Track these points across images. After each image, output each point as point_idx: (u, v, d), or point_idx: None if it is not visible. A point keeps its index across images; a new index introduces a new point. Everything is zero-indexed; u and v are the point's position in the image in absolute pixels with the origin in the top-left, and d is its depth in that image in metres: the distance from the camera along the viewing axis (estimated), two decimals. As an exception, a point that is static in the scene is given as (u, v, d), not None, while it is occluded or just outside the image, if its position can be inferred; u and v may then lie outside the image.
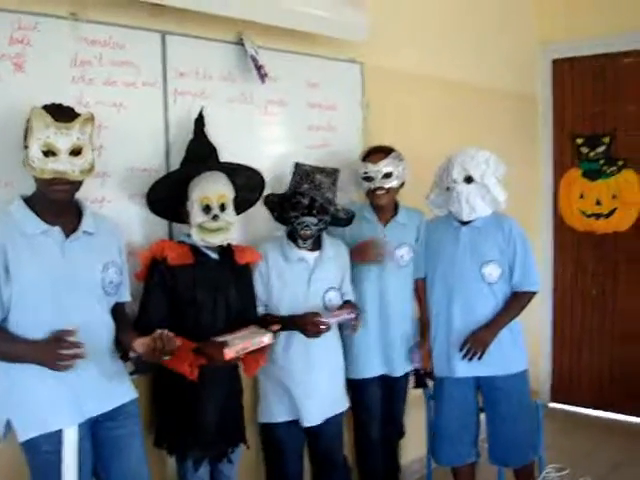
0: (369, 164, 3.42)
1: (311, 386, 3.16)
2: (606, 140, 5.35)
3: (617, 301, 5.42)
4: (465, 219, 3.40)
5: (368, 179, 3.43)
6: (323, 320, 3.02)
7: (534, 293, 3.46)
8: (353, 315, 3.16)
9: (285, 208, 3.17)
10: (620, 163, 5.28)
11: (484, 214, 3.39)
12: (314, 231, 3.16)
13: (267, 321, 3.02)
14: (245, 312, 2.99)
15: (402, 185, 3.49)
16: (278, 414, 3.18)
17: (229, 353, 2.61)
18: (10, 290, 2.25)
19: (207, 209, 2.78)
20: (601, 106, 5.41)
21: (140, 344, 2.40)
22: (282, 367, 3.15)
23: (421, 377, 3.58)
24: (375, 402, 3.54)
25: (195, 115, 2.96)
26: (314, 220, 3.13)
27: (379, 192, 3.42)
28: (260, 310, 3.12)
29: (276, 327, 2.91)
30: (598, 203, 5.38)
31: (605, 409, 5.48)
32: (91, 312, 2.41)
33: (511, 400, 3.41)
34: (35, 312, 2.28)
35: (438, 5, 4.54)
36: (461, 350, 3.36)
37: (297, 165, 3.25)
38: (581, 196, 5.46)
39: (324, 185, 3.18)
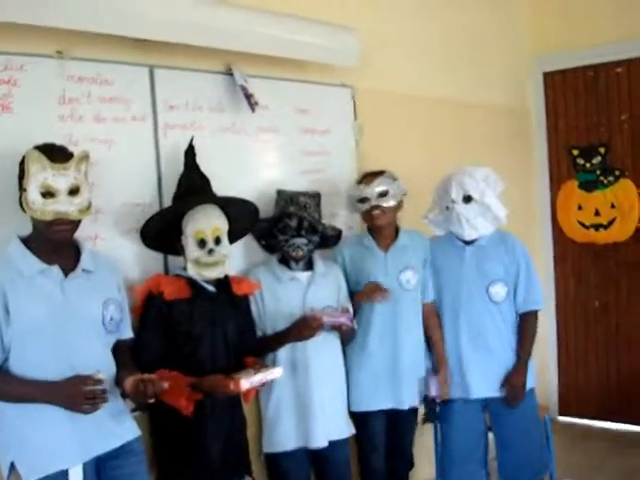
0: (363, 186, 3.38)
1: (315, 406, 3.13)
2: (602, 150, 5.34)
3: (620, 311, 5.39)
4: (467, 239, 3.39)
5: (363, 200, 3.36)
6: (316, 316, 3.01)
7: (537, 312, 3.46)
8: (348, 321, 3.11)
9: (273, 234, 3.17)
10: (617, 173, 5.28)
11: (486, 232, 3.39)
12: (305, 252, 3.16)
13: (263, 342, 3.06)
14: (243, 344, 2.97)
15: (400, 205, 3.43)
16: (285, 442, 3.14)
17: (245, 384, 2.61)
18: (11, 331, 2.24)
19: (202, 243, 2.77)
20: (595, 117, 5.41)
21: (128, 383, 2.38)
22: (285, 390, 3.13)
23: (433, 410, 3.42)
24: (379, 435, 3.47)
25: (185, 147, 2.94)
26: (304, 240, 3.13)
27: (375, 212, 3.35)
28: (258, 334, 3.12)
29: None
30: (597, 214, 5.36)
31: (613, 420, 5.43)
32: (92, 350, 2.38)
33: (520, 418, 3.39)
34: (36, 352, 2.26)
35: (428, 24, 4.54)
36: (507, 401, 3.36)
37: (279, 192, 3.26)
38: (579, 207, 5.45)
39: (309, 206, 3.19)
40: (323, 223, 3.28)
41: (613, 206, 5.30)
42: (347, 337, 3.28)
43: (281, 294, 3.17)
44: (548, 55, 5.50)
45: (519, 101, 5.56)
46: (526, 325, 3.45)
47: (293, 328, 3.05)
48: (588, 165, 5.41)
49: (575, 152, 5.47)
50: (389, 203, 3.36)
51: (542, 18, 5.48)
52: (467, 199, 3.33)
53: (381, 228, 3.42)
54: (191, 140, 2.92)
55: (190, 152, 2.91)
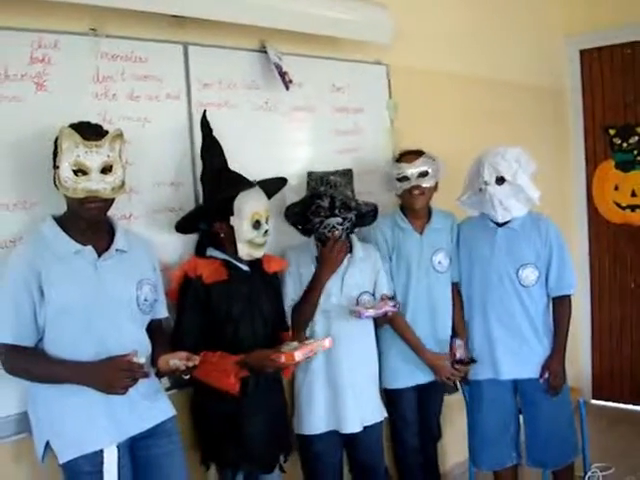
0: (403, 164, 3.32)
1: (347, 390, 3.12)
2: (639, 130, 5.24)
3: (656, 293, 5.32)
4: (500, 221, 3.34)
5: (403, 179, 3.31)
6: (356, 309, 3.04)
7: (570, 296, 3.42)
8: (394, 308, 3.12)
9: (307, 217, 3.13)
10: (654, 153, 5.19)
11: (519, 214, 3.34)
12: (341, 231, 3.10)
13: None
14: (278, 321, 2.98)
15: (436, 187, 3.39)
16: (317, 425, 3.13)
17: (299, 355, 2.61)
18: (45, 312, 2.24)
19: (257, 224, 2.78)
20: (632, 95, 5.31)
21: (163, 360, 2.39)
22: (319, 373, 3.12)
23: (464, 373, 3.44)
24: (411, 411, 3.49)
25: (222, 126, 2.92)
26: (339, 220, 3.08)
27: (415, 192, 3.31)
28: (289, 304, 3.11)
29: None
30: (633, 194, 5.29)
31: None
32: (126, 331, 2.38)
33: (550, 401, 3.35)
34: (70, 333, 2.27)
35: (462, 2, 4.47)
36: (548, 390, 3.33)
37: (310, 174, 3.22)
38: (616, 188, 5.37)
39: (340, 184, 3.15)
40: (356, 199, 3.22)
41: (650, 187, 5.22)
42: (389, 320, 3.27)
43: None
44: (584, 33, 5.39)
45: (555, 80, 5.47)
46: (559, 310, 3.41)
47: (322, 260, 3.09)
48: (625, 145, 5.32)
49: (612, 132, 5.38)
50: (429, 183, 3.32)
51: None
52: (500, 180, 3.27)
53: (418, 209, 3.38)
54: (204, 114, 2.88)
55: (207, 126, 2.87)
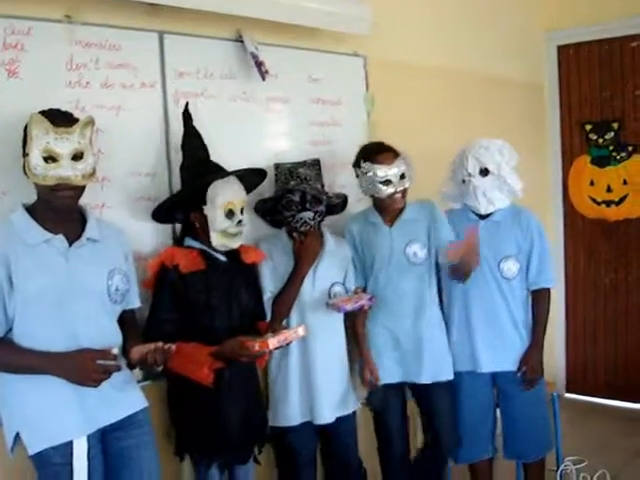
0: (384, 166, 3.18)
1: (320, 382, 3.12)
2: (615, 126, 5.30)
3: (630, 289, 5.36)
4: (483, 212, 3.35)
5: (387, 182, 3.19)
6: (334, 302, 3.04)
7: (549, 289, 3.43)
8: (370, 301, 3.12)
9: (278, 210, 3.11)
10: (630, 149, 5.24)
11: (502, 206, 3.35)
12: (313, 225, 3.10)
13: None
14: (255, 312, 2.98)
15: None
16: (292, 417, 3.12)
17: (273, 343, 2.62)
18: (14, 302, 2.21)
19: (230, 214, 2.77)
20: (609, 91, 5.34)
21: (136, 351, 2.36)
22: (298, 365, 3.12)
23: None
24: (393, 409, 3.44)
25: (197, 115, 2.90)
26: (310, 214, 3.08)
27: (397, 196, 3.23)
28: (268, 295, 3.09)
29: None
30: (609, 190, 5.33)
31: (620, 398, 5.41)
32: (97, 321, 2.35)
33: (527, 394, 3.37)
34: (40, 322, 2.23)
35: (440, -5, 4.47)
36: (525, 383, 3.34)
37: (277, 165, 3.20)
38: (591, 183, 5.41)
39: (310, 177, 3.14)
40: (327, 192, 3.22)
41: (625, 182, 5.28)
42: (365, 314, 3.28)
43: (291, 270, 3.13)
44: (562, 28, 5.42)
45: (533, 75, 5.49)
46: (538, 303, 3.43)
47: (299, 250, 3.09)
48: (601, 141, 5.36)
49: (588, 127, 5.42)
50: (406, 185, 3.25)
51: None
52: (484, 172, 3.29)
53: (398, 208, 3.31)
54: (186, 106, 2.86)
55: (189, 118, 2.86)
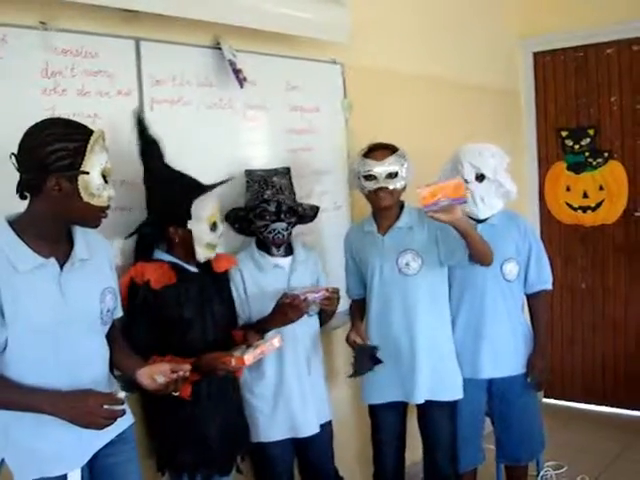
0: (372, 161, 3.13)
1: (306, 393, 3.09)
2: (591, 132, 5.35)
3: (607, 294, 5.41)
4: (481, 217, 3.35)
5: (369, 177, 3.13)
6: (295, 294, 2.91)
7: (548, 291, 3.47)
8: (329, 293, 2.98)
9: (251, 219, 3.07)
10: (606, 155, 5.29)
11: (499, 209, 3.35)
12: (286, 236, 3.07)
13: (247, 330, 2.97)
14: (230, 321, 2.95)
15: (404, 188, 3.20)
16: (272, 433, 3.07)
17: (249, 359, 2.59)
18: (6, 332, 2.06)
19: (214, 227, 2.76)
20: (584, 98, 5.40)
21: (148, 378, 2.29)
22: (273, 380, 3.07)
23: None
24: (389, 428, 3.38)
25: (174, 123, 2.88)
26: (283, 225, 3.04)
27: (382, 193, 3.13)
28: (240, 321, 3.05)
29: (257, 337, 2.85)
30: (585, 196, 5.37)
31: (598, 403, 5.46)
32: (90, 345, 2.25)
33: (523, 397, 3.40)
34: (35, 352, 2.09)
35: (417, 2, 4.49)
36: (533, 387, 3.39)
37: (249, 172, 3.13)
38: (567, 189, 5.45)
39: (285, 187, 3.09)
40: (301, 204, 3.18)
41: (601, 188, 5.33)
42: (328, 315, 3.21)
43: (264, 283, 3.08)
44: (538, 35, 5.47)
45: (509, 82, 5.53)
46: (539, 305, 3.47)
47: (277, 311, 2.96)
48: (577, 147, 5.41)
49: (564, 133, 5.46)
50: (396, 185, 3.14)
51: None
52: (480, 177, 3.28)
53: (384, 209, 3.22)
54: (139, 115, 2.77)
55: (145, 127, 2.76)
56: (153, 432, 2.82)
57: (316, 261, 3.29)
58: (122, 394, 2.15)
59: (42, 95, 2.57)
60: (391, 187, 3.14)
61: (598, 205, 5.33)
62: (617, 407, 5.35)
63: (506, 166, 3.33)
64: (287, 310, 2.92)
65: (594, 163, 5.32)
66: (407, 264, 3.20)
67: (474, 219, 3.34)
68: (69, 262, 2.17)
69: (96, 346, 2.29)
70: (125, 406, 2.24)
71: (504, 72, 5.45)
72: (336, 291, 3.04)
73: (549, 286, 3.46)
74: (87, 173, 2.08)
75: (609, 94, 5.29)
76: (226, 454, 2.85)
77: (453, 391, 3.28)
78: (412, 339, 3.20)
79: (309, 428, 3.11)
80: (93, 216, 2.17)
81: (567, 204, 5.45)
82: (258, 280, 3.08)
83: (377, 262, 3.24)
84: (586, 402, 5.51)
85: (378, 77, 4.06)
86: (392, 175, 3.13)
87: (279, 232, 3.03)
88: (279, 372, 3.06)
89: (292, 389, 3.07)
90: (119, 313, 2.48)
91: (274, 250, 3.11)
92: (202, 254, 2.76)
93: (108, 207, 2.19)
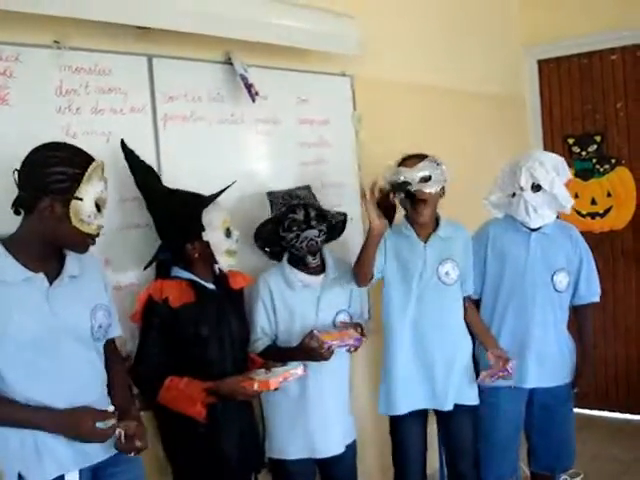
0: (403, 168, 3.08)
1: (328, 415, 3.05)
2: (598, 139, 5.34)
3: (617, 300, 5.37)
4: (533, 227, 3.30)
5: (404, 184, 3.06)
6: (323, 345, 2.86)
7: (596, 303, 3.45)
8: (357, 343, 2.98)
9: (280, 236, 3.02)
10: (613, 161, 5.28)
11: (549, 221, 3.30)
12: (319, 242, 3.03)
13: (274, 354, 2.95)
14: (246, 339, 2.94)
15: (443, 192, 3.15)
16: (291, 451, 3.04)
17: (274, 384, 2.58)
18: None
19: (228, 232, 2.76)
20: (590, 105, 5.40)
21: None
22: (296, 399, 3.02)
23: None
24: (414, 437, 3.32)
25: (187, 139, 2.90)
26: (315, 232, 3.00)
27: (418, 198, 3.07)
28: (265, 342, 3.02)
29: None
30: (593, 202, 5.36)
31: (611, 410, 5.43)
32: (82, 363, 2.23)
33: (564, 407, 3.41)
34: (23, 368, 2.09)
35: (424, 14, 4.51)
36: (576, 395, 3.41)
37: (271, 193, 3.13)
38: (576, 196, 5.36)
39: (309, 197, 3.09)
40: (328, 210, 3.15)
41: (609, 194, 5.32)
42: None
43: (294, 303, 3.04)
44: (542, 43, 5.47)
45: (515, 90, 5.54)
46: (587, 317, 3.45)
47: (301, 349, 2.91)
48: (584, 153, 5.40)
49: (571, 140, 5.46)
50: (432, 189, 3.08)
51: (535, 6, 5.44)
52: (536, 187, 3.22)
53: (421, 223, 3.19)
54: (122, 142, 2.71)
55: (131, 152, 2.73)
56: (169, 450, 2.79)
57: (349, 274, 3.17)
58: (111, 408, 2.18)
59: (56, 113, 2.58)
60: (426, 190, 3.08)
61: (606, 211, 5.32)
62: (630, 414, 5.32)
63: (566, 180, 3.26)
64: (311, 354, 2.88)
65: (602, 169, 5.32)
66: (447, 273, 3.22)
67: (526, 226, 3.32)
68: (59, 278, 2.19)
69: (89, 362, 2.28)
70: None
71: (510, 80, 5.46)
72: (363, 332, 3.05)
73: (597, 299, 3.43)
74: (80, 199, 2.12)
75: (615, 100, 5.29)
76: (242, 471, 2.83)
77: (475, 396, 3.28)
78: (447, 347, 3.21)
79: (330, 448, 3.07)
80: (80, 241, 2.19)
81: (575, 211, 5.40)
82: (287, 298, 3.04)
83: (418, 268, 3.20)
84: (599, 409, 5.46)
85: (387, 88, 4.07)
86: (425, 179, 3.09)
87: (312, 239, 2.99)
88: (302, 390, 3.01)
89: (313, 408, 3.03)
90: (115, 332, 2.45)
91: (309, 259, 3.04)
92: (224, 262, 2.76)
93: (97, 235, 2.21)
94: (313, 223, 3.00)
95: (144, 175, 2.75)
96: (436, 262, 3.20)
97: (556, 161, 3.28)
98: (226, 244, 2.74)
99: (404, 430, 3.31)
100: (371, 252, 2.99)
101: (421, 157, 3.13)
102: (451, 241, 3.25)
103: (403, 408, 3.23)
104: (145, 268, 2.74)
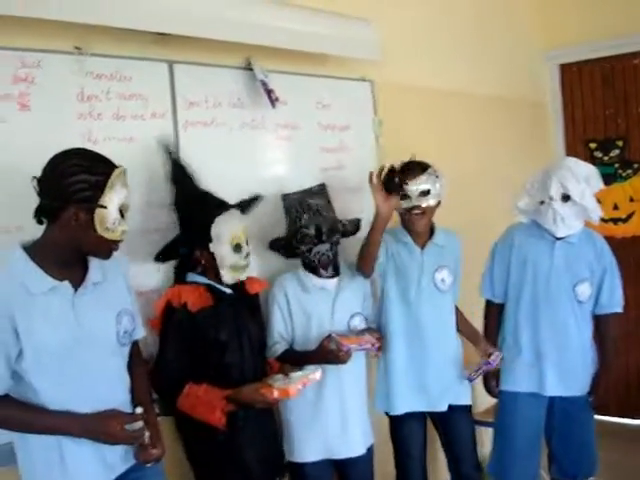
0: (405, 186, 3.13)
1: (347, 417, 3.06)
2: (620, 143, 5.30)
3: (639, 306, 5.30)
4: (559, 236, 3.27)
5: (403, 197, 3.13)
6: (341, 347, 2.88)
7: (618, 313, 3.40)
8: (375, 347, 3.03)
9: (294, 246, 3.06)
10: (635, 166, 5.25)
11: (576, 231, 3.27)
12: (331, 256, 3.06)
13: (290, 357, 2.99)
14: (264, 344, 2.95)
15: (439, 204, 3.23)
16: (310, 454, 3.05)
17: (293, 390, 2.59)
18: (22, 356, 2.06)
19: (238, 248, 2.73)
20: (612, 109, 5.36)
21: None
22: (314, 401, 3.03)
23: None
24: (414, 438, 3.36)
25: (207, 145, 2.91)
26: (326, 246, 3.04)
27: (415, 212, 3.16)
28: (282, 346, 3.03)
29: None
30: (615, 207, 5.32)
31: (633, 417, 5.40)
32: (108, 369, 2.24)
33: (585, 413, 3.38)
34: (50, 376, 2.10)
35: (445, 18, 4.50)
36: (595, 405, 3.35)
37: (285, 197, 3.16)
38: (598, 201, 5.36)
39: (321, 207, 3.09)
40: (340, 220, 3.17)
41: (632, 199, 5.27)
42: (375, 356, 3.24)
43: (310, 306, 3.06)
44: (565, 47, 5.44)
45: (537, 95, 5.52)
46: (609, 327, 3.38)
47: (319, 352, 2.93)
48: (606, 158, 5.36)
49: (592, 145, 5.42)
50: (429, 203, 3.17)
51: (557, 10, 5.43)
52: (565, 198, 3.18)
53: (418, 232, 3.26)
54: (164, 141, 2.80)
55: (171, 153, 2.80)
56: (191, 457, 2.79)
57: (363, 281, 3.23)
58: (139, 410, 2.19)
59: (78, 120, 2.60)
60: (424, 205, 3.17)
61: (629, 217, 5.28)
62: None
63: (597, 191, 3.24)
64: (329, 357, 2.90)
65: (624, 174, 5.28)
66: (442, 280, 3.28)
67: (551, 235, 3.30)
68: (83, 285, 2.19)
69: (114, 369, 2.29)
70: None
71: (532, 85, 5.44)
72: (379, 338, 3.09)
73: (620, 309, 3.37)
74: (105, 207, 2.11)
75: (637, 105, 5.26)
76: (264, 477, 2.83)
77: (469, 396, 3.37)
78: (442, 350, 3.27)
79: (348, 450, 3.08)
80: (105, 248, 2.19)
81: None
82: (302, 301, 3.06)
83: (415, 274, 3.25)
84: (620, 416, 5.43)
85: (407, 93, 4.06)
86: (425, 193, 3.16)
87: (323, 254, 3.03)
88: (319, 392, 3.02)
89: (330, 410, 3.04)
90: (139, 334, 2.47)
91: (323, 272, 3.06)
92: (227, 276, 2.75)
93: (121, 240, 2.22)
94: (324, 238, 3.03)
95: (180, 169, 2.78)
96: (432, 269, 3.26)
97: (588, 171, 3.24)
98: (232, 259, 2.73)
99: (404, 428, 3.35)
100: (377, 236, 3.01)
101: (422, 168, 3.19)
102: (446, 249, 3.32)
103: (401, 408, 3.28)
104: (156, 257, 2.75)
